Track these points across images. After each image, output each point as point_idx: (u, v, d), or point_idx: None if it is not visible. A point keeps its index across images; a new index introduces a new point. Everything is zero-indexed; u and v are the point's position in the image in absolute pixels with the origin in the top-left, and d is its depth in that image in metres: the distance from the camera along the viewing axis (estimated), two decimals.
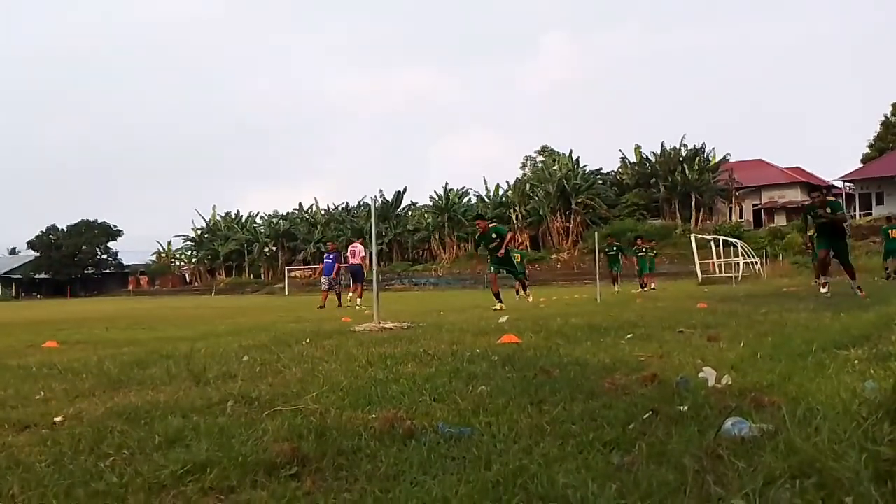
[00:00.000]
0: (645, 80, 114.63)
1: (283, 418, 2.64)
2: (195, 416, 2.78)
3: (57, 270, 74.75)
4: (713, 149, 54.71)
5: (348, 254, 19.31)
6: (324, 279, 19.38)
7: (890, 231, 22.26)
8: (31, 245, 78.62)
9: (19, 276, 77.14)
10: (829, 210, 12.15)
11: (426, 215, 62.90)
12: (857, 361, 3.39)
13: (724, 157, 54.68)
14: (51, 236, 76.22)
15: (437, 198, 61.96)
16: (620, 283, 23.94)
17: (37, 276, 76.71)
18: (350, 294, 18.90)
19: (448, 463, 1.99)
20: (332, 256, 19.82)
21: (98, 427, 2.62)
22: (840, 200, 17.49)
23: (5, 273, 77.54)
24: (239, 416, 2.78)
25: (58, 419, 2.87)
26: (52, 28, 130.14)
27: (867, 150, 60.61)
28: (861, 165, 56.41)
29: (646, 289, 22.77)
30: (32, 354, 6.23)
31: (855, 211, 52.75)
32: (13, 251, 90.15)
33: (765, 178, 55.69)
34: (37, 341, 7.73)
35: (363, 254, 18.77)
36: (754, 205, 55.60)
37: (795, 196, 54.69)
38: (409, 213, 65.15)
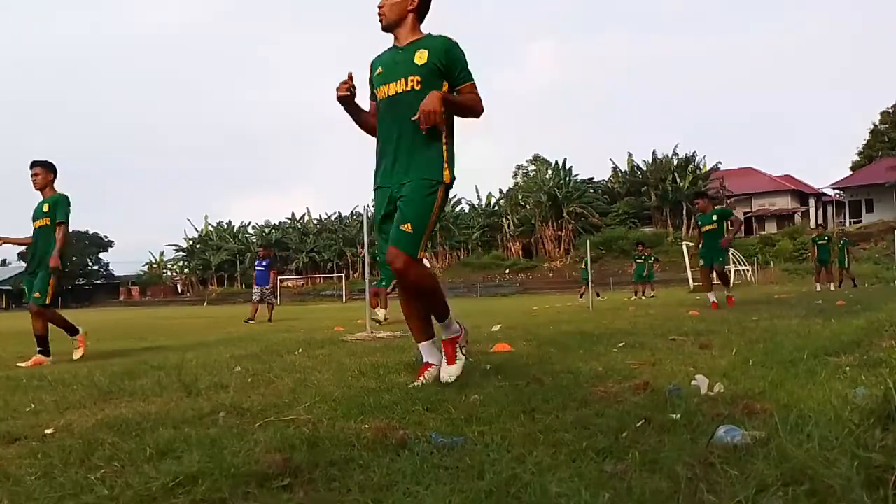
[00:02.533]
0: (637, 88, 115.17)
1: (275, 429, 2.63)
2: (186, 427, 2.76)
3: None
4: (704, 157, 55.10)
5: None
6: (255, 289, 17.14)
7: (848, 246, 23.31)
8: (21, 256, 78.20)
9: (9, 288, 76.54)
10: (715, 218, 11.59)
11: None
12: (847, 368, 3.41)
13: (714, 166, 55.04)
14: None
15: None
16: (650, 290, 24.31)
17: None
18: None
19: (441, 472, 1.98)
20: (264, 264, 17.54)
21: (88, 439, 2.61)
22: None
23: None
24: (230, 426, 2.76)
25: (48, 431, 2.85)
26: (40, 37, 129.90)
27: (857, 158, 61.08)
28: (850, 173, 56.82)
29: (640, 296, 22.91)
30: (24, 365, 6.19)
31: (845, 218, 53.12)
32: (3, 263, 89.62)
33: (755, 185, 56.03)
34: (27, 353, 7.68)
35: (429, 266, 20.14)
36: (745, 212, 55.86)
37: (786, 204, 55.05)
38: None
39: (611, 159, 60.71)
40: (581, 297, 23.82)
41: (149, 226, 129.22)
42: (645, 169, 56.08)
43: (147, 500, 1.87)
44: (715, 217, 11.71)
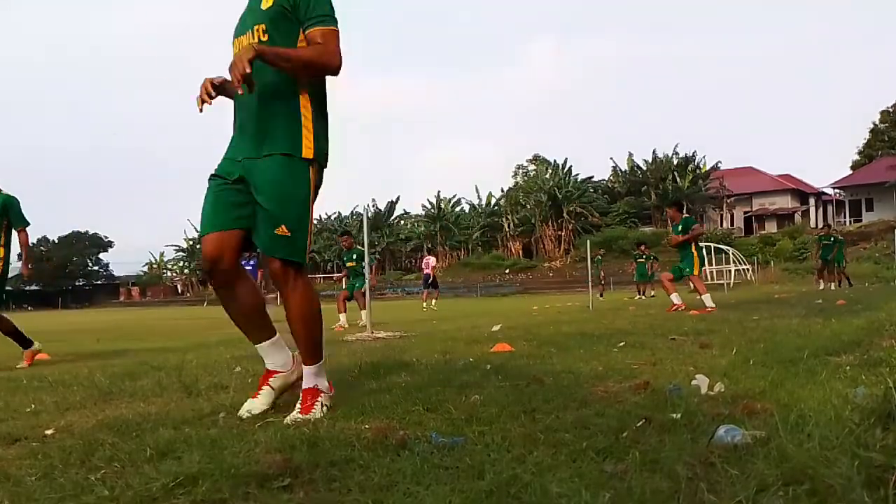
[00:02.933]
0: (637, 87, 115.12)
1: (275, 429, 2.63)
2: (186, 427, 2.76)
3: (47, 282, 74.36)
4: (704, 157, 55.08)
5: (423, 265, 23.42)
6: None
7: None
8: (19, 257, 78.21)
9: (9, 288, 76.43)
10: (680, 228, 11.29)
11: (418, 224, 63.03)
12: (847, 367, 3.41)
13: (714, 165, 55.04)
14: (41, 248, 75.82)
15: (429, 207, 62.07)
16: (650, 290, 24.53)
17: (27, 288, 76.29)
18: (433, 300, 21.77)
19: (441, 473, 1.98)
20: (252, 263, 16.50)
21: (88, 439, 2.61)
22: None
23: None
24: (230, 427, 2.76)
25: (48, 432, 2.85)
26: (42, 38, 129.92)
27: (857, 157, 61.14)
28: (850, 172, 56.85)
29: (642, 296, 22.98)
30: (22, 366, 6.20)
31: (845, 218, 53.13)
32: None
33: (755, 185, 56.03)
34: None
35: (434, 264, 23.11)
36: (745, 212, 55.89)
37: (785, 203, 55.06)
38: (402, 222, 65.28)
39: (611, 158, 60.72)
40: (601, 295, 24.44)
41: (149, 226, 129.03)
42: (645, 168, 56.08)
43: (147, 501, 1.87)
44: (681, 227, 11.62)
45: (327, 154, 3.07)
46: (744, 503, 1.56)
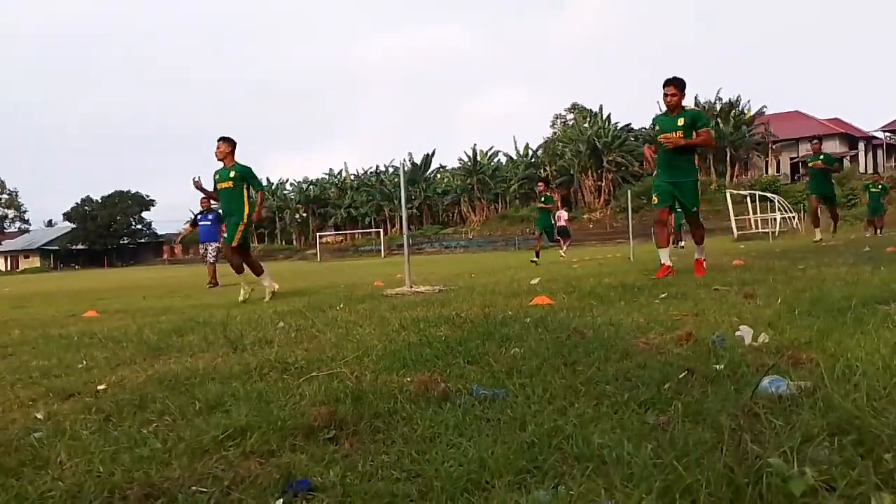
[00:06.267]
0: (679, 32, 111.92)
1: (320, 383, 2.68)
2: (234, 381, 2.83)
3: (93, 241, 76.24)
4: (748, 101, 53.54)
5: (556, 218, 23.92)
6: (210, 248, 14.82)
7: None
8: (67, 217, 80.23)
9: (57, 248, 78.85)
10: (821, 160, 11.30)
11: (455, 178, 62.80)
12: None
13: (759, 110, 53.50)
14: (86, 207, 77.61)
15: (466, 160, 61.71)
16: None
17: (74, 247, 78.32)
18: (565, 246, 22.58)
19: (483, 424, 2.01)
20: (210, 217, 15.02)
21: (140, 394, 2.69)
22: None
23: (43, 245, 79.31)
24: (276, 381, 2.82)
25: (101, 387, 2.94)
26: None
27: None
28: None
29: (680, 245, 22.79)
30: (73, 324, 6.38)
31: None
32: (50, 223, 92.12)
33: (802, 130, 54.41)
34: (77, 311, 7.92)
35: (566, 217, 24.38)
36: (791, 158, 54.44)
37: (834, 148, 53.37)
38: (438, 175, 65.13)
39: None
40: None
41: (189, 184, 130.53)
42: None
43: (199, 452, 1.93)
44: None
45: None
46: (788, 454, 1.54)
